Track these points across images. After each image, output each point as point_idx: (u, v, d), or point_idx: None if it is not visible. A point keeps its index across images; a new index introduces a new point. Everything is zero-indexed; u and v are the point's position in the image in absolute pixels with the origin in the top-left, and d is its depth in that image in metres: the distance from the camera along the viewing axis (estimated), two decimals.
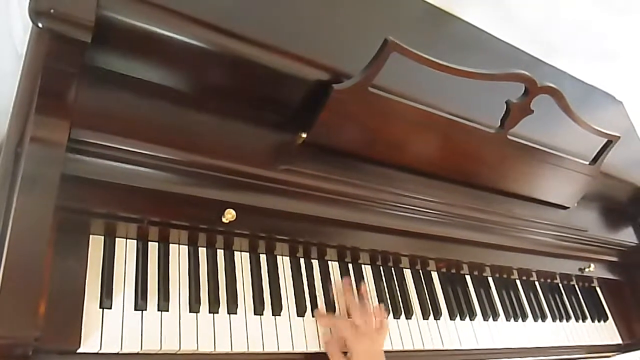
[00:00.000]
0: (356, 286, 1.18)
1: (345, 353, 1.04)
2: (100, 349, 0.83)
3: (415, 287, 1.29)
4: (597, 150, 1.37)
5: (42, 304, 0.73)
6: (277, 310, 1.04)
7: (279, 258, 1.11)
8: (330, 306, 1.11)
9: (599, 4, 1.59)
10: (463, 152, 1.19)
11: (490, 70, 1.05)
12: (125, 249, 0.94)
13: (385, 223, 1.16)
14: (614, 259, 1.65)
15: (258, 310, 1.02)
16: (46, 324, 0.75)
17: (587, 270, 1.60)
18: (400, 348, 1.17)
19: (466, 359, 1.31)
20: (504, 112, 1.16)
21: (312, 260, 1.16)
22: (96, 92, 0.84)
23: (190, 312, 0.94)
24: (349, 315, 1.11)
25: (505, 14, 1.57)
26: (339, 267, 1.19)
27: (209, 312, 0.96)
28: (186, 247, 1.00)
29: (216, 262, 1.02)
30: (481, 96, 1.17)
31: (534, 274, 1.56)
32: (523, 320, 1.46)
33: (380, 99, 1.01)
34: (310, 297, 1.10)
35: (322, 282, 1.14)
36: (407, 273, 1.30)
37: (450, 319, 1.30)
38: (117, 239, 0.93)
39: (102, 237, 0.92)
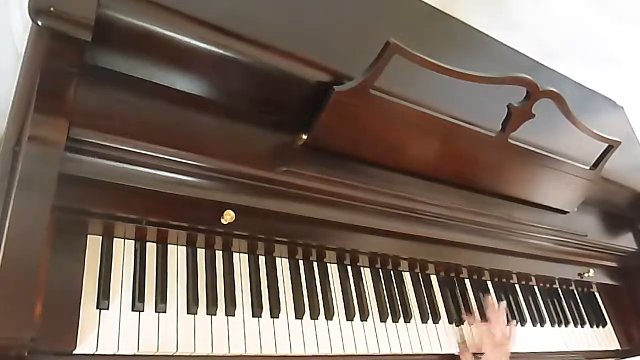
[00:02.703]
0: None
1: (475, 355, 1.25)
2: (97, 350, 0.83)
3: (415, 291, 1.28)
4: (598, 155, 1.36)
5: (38, 304, 0.73)
6: (275, 312, 1.03)
7: (277, 260, 1.10)
8: (330, 309, 1.11)
9: (602, 10, 1.59)
10: (464, 155, 1.19)
11: (492, 73, 1.05)
12: (123, 250, 0.93)
13: (385, 226, 1.15)
14: (613, 264, 1.65)
15: (256, 312, 1.01)
16: (42, 324, 0.74)
17: (586, 275, 1.60)
18: (398, 352, 1.16)
19: None
20: (505, 116, 1.15)
21: (312, 263, 1.15)
22: (95, 91, 0.83)
23: (187, 313, 0.94)
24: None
25: (507, 17, 1.57)
26: (338, 269, 1.18)
27: (207, 314, 0.96)
28: (184, 248, 1.00)
29: (214, 264, 1.01)
30: (482, 99, 1.17)
31: (533, 278, 1.55)
32: (522, 325, 1.45)
33: (381, 101, 1.01)
34: (308, 299, 1.09)
35: (320, 285, 1.13)
36: (406, 276, 1.30)
37: (449, 323, 1.30)
38: (115, 240, 0.92)
39: (100, 237, 0.91)
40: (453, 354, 1.27)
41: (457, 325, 1.31)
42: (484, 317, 1.36)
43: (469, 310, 1.35)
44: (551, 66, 1.63)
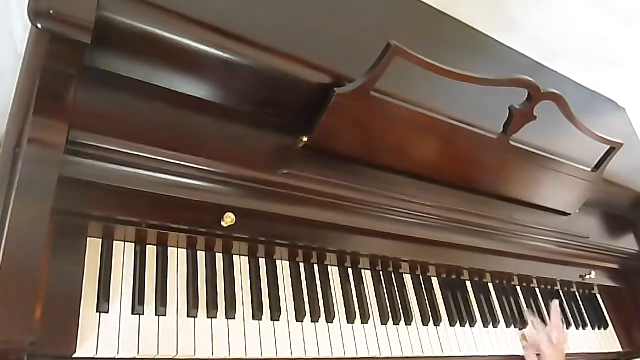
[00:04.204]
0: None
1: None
2: (97, 353, 0.82)
3: (415, 293, 1.28)
4: (600, 157, 1.36)
5: (38, 307, 0.72)
6: (275, 315, 1.03)
7: (278, 263, 1.10)
8: (330, 312, 1.10)
9: (603, 11, 1.59)
10: (465, 157, 1.18)
11: (493, 75, 1.04)
12: (123, 252, 0.92)
13: (386, 228, 1.15)
14: (615, 266, 1.64)
15: (257, 315, 1.01)
16: (42, 328, 0.74)
17: (588, 277, 1.59)
18: (399, 355, 1.16)
19: None
20: (506, 118, 1.15)
21: (312, 265, 1.14)
22: (95, 93, 0.83)
23: (188, 316, 0.93)
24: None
25: (509, 18, 1.56)
26: (339, 272, 1.18)
27: (207, 317, 0.95)
28: (185, 250, 0.99)
29: (215, 267, 1.01)
30: (484, 101, 1.16)
31: (534, 280, 1.55)
32: (523, 327, 1.45)
33: (382, 103, 1.01)
34: (309, 302, 1.09)
35: (321, 287, 1.13)
36: (407, 278, 1.29)
37: (450, 326, 1.29)
38: (115, 242, 0.92)
39: (100, 240, 0.91)
40: (454, 357, 1.26)
41: (461, 326, 1.31)
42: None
43: (471, 313, 1.34)
44: (553, 67, 1.62)
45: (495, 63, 1.47)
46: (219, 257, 1.03)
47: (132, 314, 0.88)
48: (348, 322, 1.12)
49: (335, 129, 1.00)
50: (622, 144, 1.32)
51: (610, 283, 1.68)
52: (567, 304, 1.64)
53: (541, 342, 1.37)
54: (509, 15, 1.55)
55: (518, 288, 1.53)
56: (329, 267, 1.17)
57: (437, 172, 1.18)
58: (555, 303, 1.47)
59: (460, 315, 1.32)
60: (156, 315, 0.90)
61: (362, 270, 1.22)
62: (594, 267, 1.60)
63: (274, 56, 0.94)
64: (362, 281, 1.20)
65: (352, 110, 0.99)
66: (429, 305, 1.28)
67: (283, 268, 1.10)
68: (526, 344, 1.39)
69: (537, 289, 1.58)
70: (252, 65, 0.92)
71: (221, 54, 0.89)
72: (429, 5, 1.41)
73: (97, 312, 0.85)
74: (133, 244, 0.94)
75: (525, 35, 1.58)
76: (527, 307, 1.50)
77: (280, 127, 1.02)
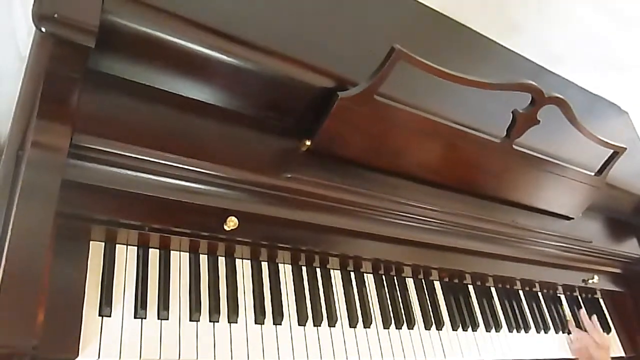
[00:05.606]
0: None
1: None
2: (99, 357, 0.82)
3: (418, 297, 1.28)
4: (603, 162, 1.36)
5: (40, 311, 0.72)
6: (278, 319, 1.03)
7: (280, 266, 1.10)
8: (333, 316, 1.10)
9: (606, 14, 1.59)
10: (468, 161, 1.18)
11: (497, 79, 1.04)
12: (126, 256, 0.92)
13: (389, 232, 1.14)
14: (618, 270, 1.64)
15: (259, 319, 1.00)
16: (44, 332, 0.73)
17: (590, 281, 1.59)
18: (401, 359, 1.15)
19: None
20: (510, 122, 1.15)
21: (315, 269, 1.14)
22: (99, 97, 0.83)
23: (190, 320, 0.93)
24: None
25: (511, 21, 1.56)
26: (341, 276, 1.18)
27: (209, 321, 0.95)
28: (187, 254, 0.99)
29: (217, 270, 1.01)
30: (487, 105, 1.16)
31: (537, 284, 1.54)
32: (525, 332, 1.44)
33: (385, 107, 1.01)
34: (311, 306, 1.09)
35: (323, 291, 1.13)
36: (410, 282, 1.29)
37: (453, 330, 1.29)
38: (117, 246, 0.92)
39: (103, 244, 0.91)
40: None
41: (463, 330, 1.30)
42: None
43: (473, 317, 1.34)
44: (555, 71, 1.62)
45: (498, 67, 1.47)
46: (222, 260, 1.03)
47: (135, 317, 0.88)
48: (350, 326, 1.12)
49: (338, 132, 1.00)
50: (625, 148, 1.32)
51: (612, 287, 1.67)
52: (569, 308, 1.63)
53: (589, 347, 1.48)
54: (511, 19, 1.55)
55: (520, 292, 1.52)
56: (332, 271, 1.17)
57: (441, 176, 1.18)
58: (582, 312, 1.60)
59: (463, 319, 1.32)
60: (158, 319, 0.90)
61: (365, 274, 1.22)
62: (596, 272, 1.59)
63: (277, 60, 0.94)
64: (365, 285, 1.20)
65: (356, 114, 0.99)
66: (432, 309, 1.28)
67: (285, 272, 1.10)
68: (577, 352, 1.49)
69: (539, 293, 1.58)
70: (255, 69, 0.92)
71: (225, 57, 0.89)
72: (433, 9, 1.41)
73: (99, 315, 0.85)
74: (135, 248, 0.94)
75: (528, 39, 1.58)
76: (529, 311, 1.50)
77: (284, 130, 1.02)
